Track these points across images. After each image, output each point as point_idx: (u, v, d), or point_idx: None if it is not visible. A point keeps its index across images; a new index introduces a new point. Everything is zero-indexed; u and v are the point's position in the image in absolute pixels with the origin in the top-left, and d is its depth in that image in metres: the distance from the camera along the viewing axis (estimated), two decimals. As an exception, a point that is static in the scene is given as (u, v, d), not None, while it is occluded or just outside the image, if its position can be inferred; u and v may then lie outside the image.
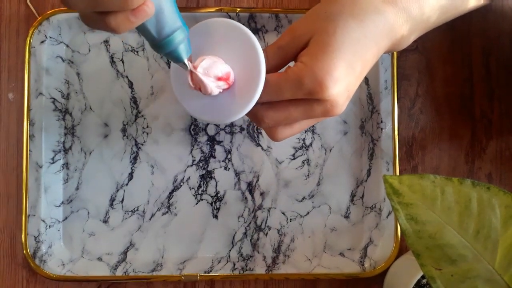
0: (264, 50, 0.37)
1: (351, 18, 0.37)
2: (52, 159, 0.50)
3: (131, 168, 0.51)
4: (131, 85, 0.51)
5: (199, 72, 0.35)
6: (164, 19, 0.32)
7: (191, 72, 0.35)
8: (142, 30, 0.33)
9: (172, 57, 0.35)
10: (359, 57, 0.37)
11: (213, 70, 0.35)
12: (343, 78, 0.36)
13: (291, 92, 0.36)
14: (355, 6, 0.37)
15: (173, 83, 0.38)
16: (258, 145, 0.51)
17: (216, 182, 0.51)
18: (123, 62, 0.51)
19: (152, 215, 0.51)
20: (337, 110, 0.37)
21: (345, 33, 0.36)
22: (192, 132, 0.51)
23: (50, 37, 0.50)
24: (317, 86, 0.35)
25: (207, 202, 0.51)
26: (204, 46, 0.36)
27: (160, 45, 0.33)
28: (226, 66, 0.36)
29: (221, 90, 0.36)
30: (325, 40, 0.36)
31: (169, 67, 0.51)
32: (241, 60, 0.36)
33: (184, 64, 0.35)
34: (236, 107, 0.37)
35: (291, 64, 0.38)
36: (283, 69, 0.41)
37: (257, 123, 0.39)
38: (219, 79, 0.35)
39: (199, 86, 0.36)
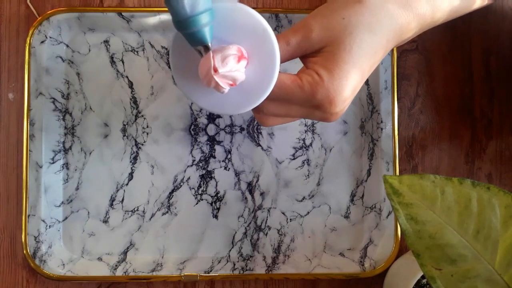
0: None
1: (367, 31, 0.37)
2: (52, 159, 0.50)
3: (131, 168, 0.51)
4: (131, 85, 0.51)
5: (223, 71, 0.33)
6: None
7: (216, 76, 0.33)
8: (176, 2, 0.31)
9: (196, 38, 0.33)
10: (368, 71, 0.38)
11: (229, 58, 0.34)
12: (351, 95, 0.37)
13: (300, 101, 0.37)
14: (373, 17, 0.37)
15: (176, 76, 0.36)
16: (258, 145, 0.51)
17: (216, 182, 0.51)
18: (123, 62, 0.51)
19: (152, 215, 0.51)
20: (335, 119, 0.38)
21: (359, 50, 0.36)
22: (192, 132, 0.51)
23: (50, 37, 0.50)
24: (327, 103, 0.36)
25: (207, 202, 0.51)
26: (223, 28, 0.34)
27: (189, 21, 0.32)
28: (232, 46, 0.34)
29: (245, 68, 0.35)
30: (342, 55, 0.36)
31: (169, 68, 0.51)
32: (255, 51, 0.35)
33: (206, 46, 0.33)
34: (244, 101, 0.36)
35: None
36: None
37: (253, 111, 0.39)
38: (238, 61, 0.34)
39: (230, 82, 0.34)
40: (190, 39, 0.33)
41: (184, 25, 0.32)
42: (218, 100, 0.36)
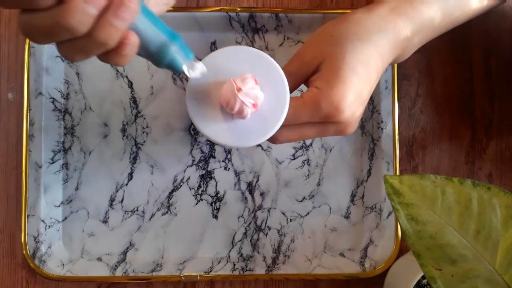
0: None
1: (357, 40, 0.38)
2: (52, 159, 0.50)
3: (131, 168, 0.51)
4: (130, 85, 0.51)
5: (245, 88, 0.35)
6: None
7: (240, 94, 0.35)
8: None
9: (172, 70, 0.35)
10: (369, 77, 0.38)
11: (248, 79, 0.35)
12: (356, 100, 0.37)
13: (308, 117, 0.37)
14: (359, 28, 0.38)
15: (197, 122, 0.37)
16: (258, 145, 0.51)
17: (216, 182, 0.51)
18: (123, 62, 0.51)
19: (152, 215, 0.51)
20: (351, 129, 0.39)
21: (353, 57, 0.37)
22: (192, 132, 0.51)
23: (49, 37, 0.50)
24: (333, 111, 0.37)
25: (207, 202, 0.51)
26: (234, 68, 0.37)
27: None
28: (246, 74, 0.36)
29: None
30: (336, 64, 0.37)
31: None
32: (267, 88, 0.37)
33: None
34: (258, 133, 0.37)
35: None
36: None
37: (270, 141, 0.40)
38: (254, 105, 0.36)
39: (253, 102, 0.36)
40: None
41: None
42: (239, 134, 0.37)
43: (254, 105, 0.36)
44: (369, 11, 0.40)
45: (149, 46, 0.33)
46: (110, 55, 0.31)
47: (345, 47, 0.38)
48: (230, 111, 0.36)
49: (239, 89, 0.35)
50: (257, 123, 0.37)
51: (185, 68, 0.35)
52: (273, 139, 0.39)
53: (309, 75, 0.39)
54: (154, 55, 0.33)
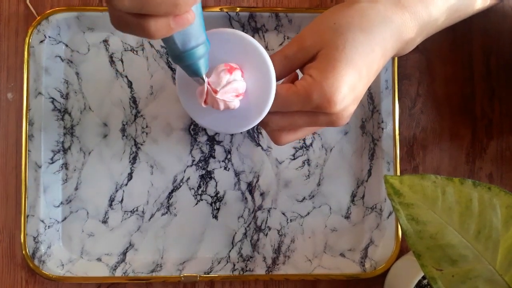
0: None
1: (359, 31, 0.37)
2: (51, 159, 0.50)
3: (131, 168, 0.51)
4: (130, 85, 0.51)
5: (221, 87, 0.35)
6: (191, 32, 0.32)
7: (219, 95, 0.35)
8: (167, 39, 0.33)
9: (191, 70, 0.35)
10: (367, 71, 0.37)
11: (221, 74, 0.35)
12: (350, 93, 0.37)
13: (299, 106, 0.37)
14: (363, 18, 0.38)
15: (181, 96, 0.38)
16: (258, 145, 0.51)
17: (216, 182, 0.51)
18: (122, 61, 0.51)
19: (152, 216, 0.51)
20: (342, 122, 0.38)
21: (353, 48, 0.37)
22: (192, 132, 0.51)
23: (49, 37, 0.50)
24: (325, 102, 0.36)
25: (207, 203, 0.51)
26: (216, 54, 0.37)
27: (182, 56, 0.33)
28: (219, 65, 0.36)
29: (243, 78, 0.37)
30: (334, 55, 0.36)
31: (168, 67, 0.51)
32: (252, 71, 0.37)
33: (202, 78, 0.35)
34: (246, 118, 0.37)
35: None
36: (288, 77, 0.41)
37: (261, 126, 0.39)
38: (230, 72, 0.36)
39: (235, 94, 0.36)
40: (186, 71, 0.35)
41: (179, 60, 0.34)
42: (230, 121, 0.38)
43: (238, 95, 0.36)
44: (374, 1, 0.39)
45: (190, 38, 0.32)
46: (156, 21, 0.29)
47: (346, 38, 0.37)
48: (218, 109, 0.36)
49: (215, 91, 0.35)
50: (246, 110, 0.37)
51: (204, 76, 0.35)
52: (263, 124, 0.39)
53: (306, 61, 0.38)
54: (188, 49, 0.33)
